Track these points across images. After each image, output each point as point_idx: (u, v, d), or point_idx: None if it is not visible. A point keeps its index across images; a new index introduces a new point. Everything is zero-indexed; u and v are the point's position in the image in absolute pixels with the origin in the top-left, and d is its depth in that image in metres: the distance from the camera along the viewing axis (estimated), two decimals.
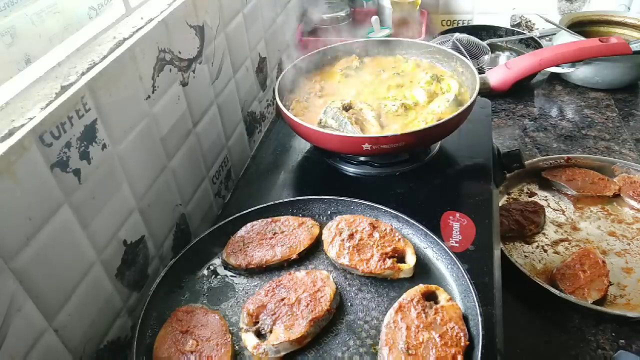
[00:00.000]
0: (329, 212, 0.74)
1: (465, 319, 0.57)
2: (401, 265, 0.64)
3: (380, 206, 0.71)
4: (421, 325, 0.56)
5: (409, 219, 0.69)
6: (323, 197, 0.74)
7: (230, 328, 0.60)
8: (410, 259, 0.65)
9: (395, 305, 0.58)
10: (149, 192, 0.75)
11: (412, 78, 0.95)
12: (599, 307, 0.79)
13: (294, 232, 0.70)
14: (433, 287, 0.61)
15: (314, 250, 0.69)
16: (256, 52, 1.13)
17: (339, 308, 0.61)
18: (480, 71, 1.14)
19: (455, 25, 1.69)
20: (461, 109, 0.78)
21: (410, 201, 0.79)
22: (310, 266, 0.67)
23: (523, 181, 1.09)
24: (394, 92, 0.92)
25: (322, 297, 0.60)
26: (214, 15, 0.91)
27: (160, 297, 0.63)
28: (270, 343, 0.56)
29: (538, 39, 1.50)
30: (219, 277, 0.67)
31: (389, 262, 0.64)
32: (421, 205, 0.79)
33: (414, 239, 0.69)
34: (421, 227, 0.67)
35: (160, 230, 0.79)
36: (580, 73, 1.37)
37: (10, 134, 0.51)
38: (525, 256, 0.92)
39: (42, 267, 0.54)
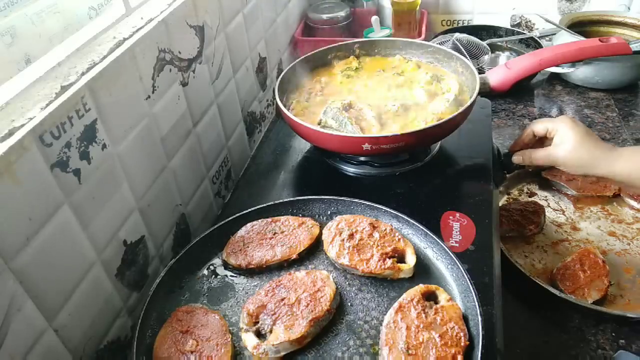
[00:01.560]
0: (329, 212, 0.74)
1: (465, 319, 0.57)
2: (401, 265, 0.64)
3: (380, 206, 0.71)
4: (421, 325, 0.56)
5: (409, 219, 0.69)
6: (323, 197, 0.74)
7: (230, 328, 0.60)
8: (410, 259, 0.65)
9: (395, 305, 0.58)
10: (149, 192, 0.75)
11: (412, 78, 0.95)
12: (599, 307, 0.79)
13: (294, 232, 0.70)
14: (433, 287, 0.61)
15: (314, 250, 0.69)
16: (256, 52, 1.13)
17: (339, 308, 0.61)
18: (480, 71, 1.14)
19: (455, 25, 1.69)
20: (461, 109, 0.78)
21: (410, 201, 0.79)
22: (310, 266, 0.67)
23: (523, 181, 1.09)
24: (394, 92, 0.92)
25: (322, 297, 0.60)
26: (214, 15, 0.91)
27: (160, 297, 0.63)
28: (270, 343, 0.56)
29: (538, 39, 1.50)
30: (219, 277, 0.67)
31: (389, 262, 0.64)
32: (421, 205, 0.79)
33: (414, 239, 0.69)
34: (421, 227, 0.67)
35: (160, 230, 0.79)
36: (580, 73, 1.37)
37: (10, 134, 0.51)
38: (525, 256, 0.92)
39: (42, 267, 0.54)
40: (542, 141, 0.84)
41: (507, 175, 1.03)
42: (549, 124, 0.80)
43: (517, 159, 0.85)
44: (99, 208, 0.63)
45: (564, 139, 0.77)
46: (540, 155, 0.81)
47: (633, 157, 0.73)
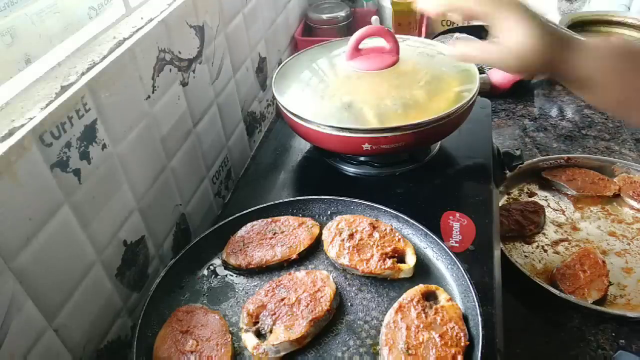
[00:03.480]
0: (329, 212, 0.74)
1: (465, 319, 0.57)
2: (401, 265, 0.64)
3: (380, 206, 0.71)
4: (421, 325, 0.56)
5: (409, 219, 0.69)
6: (323, 197, 0.74)
7: (230, 328, 0.60)
8: (410, 259, 0.65)
9: (395, 305, 0.58)
10: (149, 192, 0.75)
11: (412, 78, 0.95)
12: (599, 307, 0.79)
13: (294, 232, 0.70)
14: (433, 287, 0.61)
15: (314, 250, 0.69)
16: (256, 52, 1.13)
17: (339, 308, 0.61)
18: (481, 71, 1.13)
19: (455, 25, 1.69)
20: (461, 109, 0.78)
21: (410, 201, 0.79)
22: (310, 266, 0.67)
23: (523, 181, 1.09)
24: (394, 92, 0.92)
25: (322, 297, 0.60)
26: (214, 15, 0.91)
27: (160, 297, 0.63)
28: (270, 343, 0.56)
29: None
30: (219, 277, 0.67)
31: (389, 262, 0.64)
32: (421, 205, 0.79)
33: (414, 239, 0.69)
34: (421, 227, 0.67)
35: (160, 230, 0.78)
36: None
37: (10, 134, 0.51)
38: (525, 256, 0.92)
39: (42, 267, 0.54)
40: None
41: (507, 175, 1.03)
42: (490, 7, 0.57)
43: (454, 51, 0.62)
44: (99, 208, 0.63)
45: (519, 26, 0.55)
46: (488, 50, 0.59)
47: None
